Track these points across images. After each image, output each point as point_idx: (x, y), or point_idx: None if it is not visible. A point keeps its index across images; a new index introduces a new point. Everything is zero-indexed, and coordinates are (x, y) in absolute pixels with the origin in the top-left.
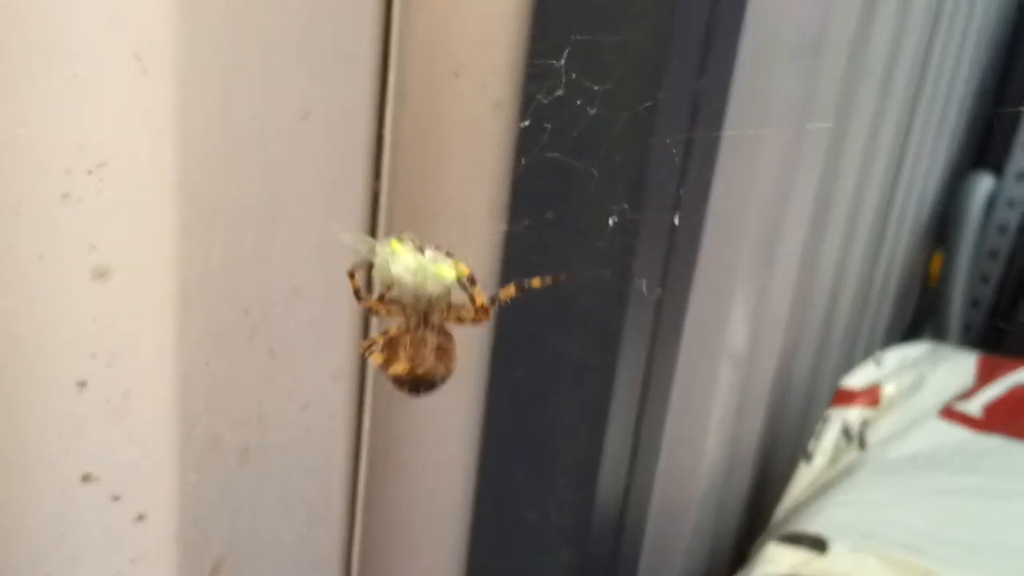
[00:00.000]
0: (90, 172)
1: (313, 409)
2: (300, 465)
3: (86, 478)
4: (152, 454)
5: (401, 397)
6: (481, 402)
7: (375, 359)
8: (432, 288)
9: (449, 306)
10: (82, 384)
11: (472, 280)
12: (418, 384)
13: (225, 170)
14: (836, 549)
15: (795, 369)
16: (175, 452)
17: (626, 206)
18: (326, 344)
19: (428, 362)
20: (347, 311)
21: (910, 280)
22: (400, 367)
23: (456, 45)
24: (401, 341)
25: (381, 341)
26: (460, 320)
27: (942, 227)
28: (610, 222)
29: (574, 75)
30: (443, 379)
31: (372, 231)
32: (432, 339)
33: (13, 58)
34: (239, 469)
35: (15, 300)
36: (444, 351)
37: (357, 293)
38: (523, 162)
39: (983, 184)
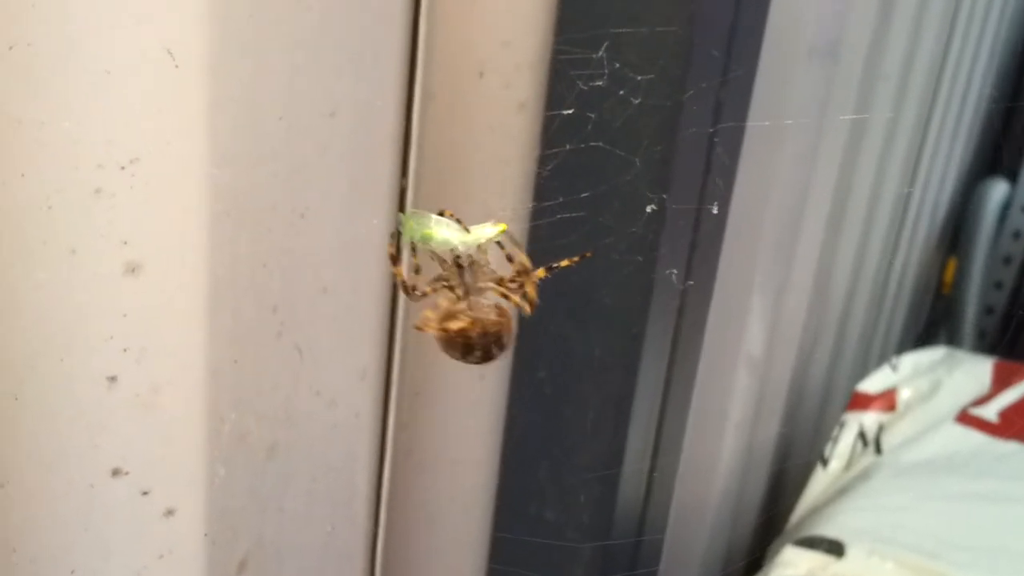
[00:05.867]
0: (123, 168)
1: (339, 406)
2: (326, 462)
3: (116, 472)
4: (181, 449)
5: (425, 395)
6: (503, 401)
7: (432, 327)
8: (474, 244)
9: (492, 277)
10: (112, 379)
11: (513, 240)
12: (487, 341)
13: (254, 167)
14: (853, 553)
15: (811, 373)
16: (204, 447)
17: (653, 207)
18: (353, 341)
19: (491, 316)
20: (374, 308)
21: (924, 286)
22: (463, 323)
23: (481, 45)
24: (456, 308)
25: (435, 315)
26: (505, 290)
27: (956, 233)
28: (647, 210)
29: (617, 65)
30: (508, 337)
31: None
32: (486, 301)
33: (46, 54)
34: (267, 465)
35: (47, 294)
36: (502, 310)
37: (393, 258)
38: (550, 151)
39: (997, 190)
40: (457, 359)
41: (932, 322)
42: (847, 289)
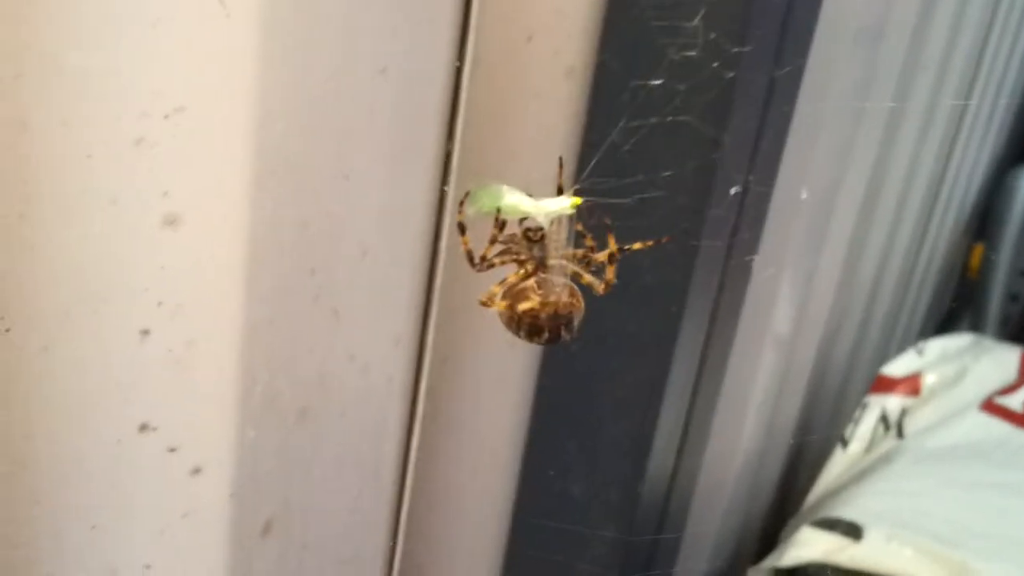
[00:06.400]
0: (166, 117)
1: (373, 372)
2: (356, 427)
3: (143, 428)
4: (211, 408)
5: (454, 361)
6: (534, 374)
7: (499, 305)
8: (546, 216)
9: (564, 253)
10: (145, 332)
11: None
12: (557, 323)
13: (301, 123)
14: (871, 537)
15: (834, 354)
16: (234, 407)
17: (737, 189)
18: (389, 306)
19: (563, 296)
20: (412, 273)
21: (949, 271)
22: (532, 303)
23: (531, 8)
24: (525, 285)
25: (501, 290)
26: (576, 267)
27: (984, 219)
28: (731, 192)
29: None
30: (579, 318)
31: (442, 193)
32: (556, 278)
33: None
34: (297, 428)
35: (85, 243)
36: (573, 290)
37: (462, 227)
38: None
39: None
40: (522, 339)
41: (956, 307)
42: (876, 271)
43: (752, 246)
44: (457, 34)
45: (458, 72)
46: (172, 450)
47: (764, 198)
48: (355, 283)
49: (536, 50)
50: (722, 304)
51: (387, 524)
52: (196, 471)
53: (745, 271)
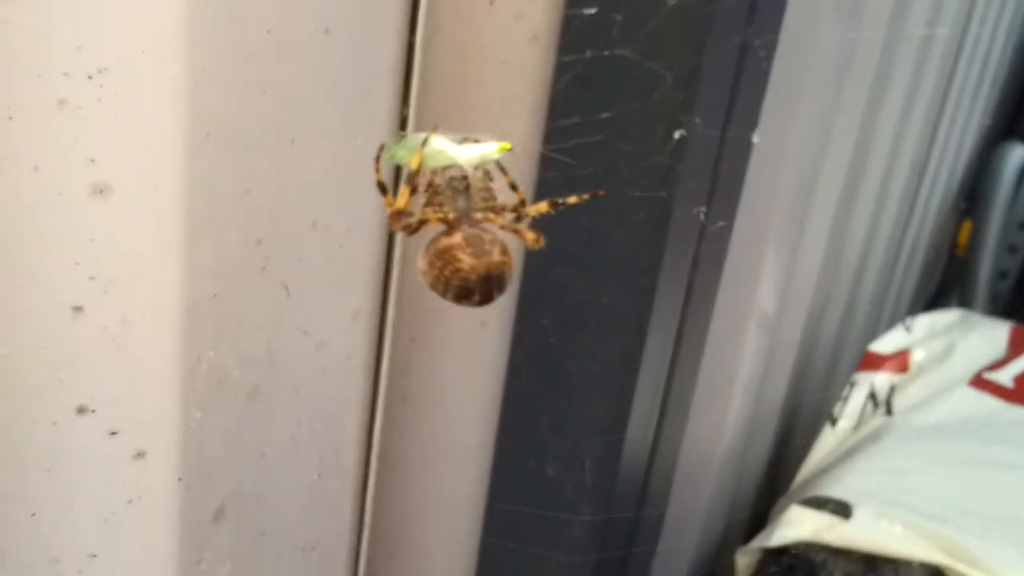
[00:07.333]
0: (90, 77)
1: (329, 348)
2: (313, 407)
3: (81, 410)
4: (153, 388)
5: (422, 341)
6: (505, 350)
7: (422, 266)
8: (471, 162)
9: (492, 205)
10: (78, 309)
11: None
12: (488, 284)
13: (240, 84)
14: (860, 515)
15: (821, 332)
16: (178, 387)
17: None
18: (345, 280)
19: (495, 256)
20: (368, 245)
21: (938, 248)
22: (461, 264)
23: None
24: (451, 242)
25: (429, 253)
26: (505, 220)
27: (972, 196)
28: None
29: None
30: (510, 276)
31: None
32: (485, 233)
33: None
34: (247, 408)
35: (7, 215)
36: (504, 247)
37: (382, 186)
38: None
39: (1016, 154)
40: (450, 301)
41: (944, 284)
42: (862, 248)
43: (697, 198)
44: None
45: (411, 34)
46: (113, 433)
47: (710, 143)
48: (306, 255)
49: (499, 13)
50: (699, 274)
51: (351, 509)
52: (140, 455)
53: (723, 240)
